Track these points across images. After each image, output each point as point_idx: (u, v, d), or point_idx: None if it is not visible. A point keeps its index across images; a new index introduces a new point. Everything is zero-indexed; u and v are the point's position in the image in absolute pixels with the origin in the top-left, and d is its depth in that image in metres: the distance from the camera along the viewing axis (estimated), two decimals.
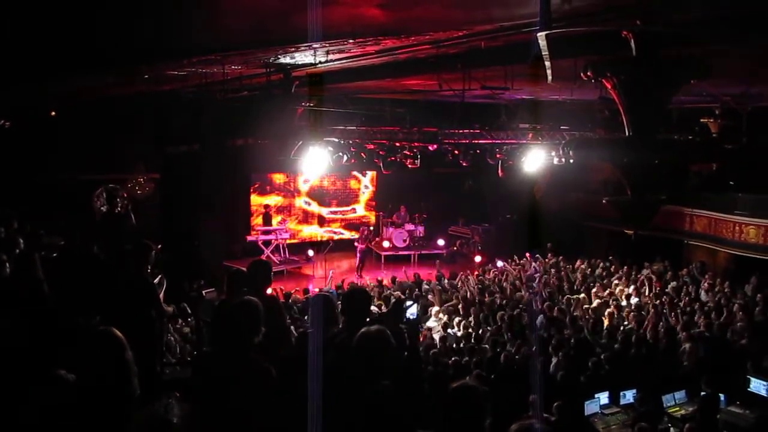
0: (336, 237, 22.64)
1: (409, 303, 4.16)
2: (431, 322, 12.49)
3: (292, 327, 7.24)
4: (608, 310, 12.76)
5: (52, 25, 5.36)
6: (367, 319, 4.16)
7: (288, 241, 20.49)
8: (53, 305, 5.11)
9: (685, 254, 18.25)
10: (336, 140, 13.69)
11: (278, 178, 21.76)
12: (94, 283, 5.67)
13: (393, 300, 12.44)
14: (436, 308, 13.09)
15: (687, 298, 13.37)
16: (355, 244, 20.37)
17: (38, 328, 4.62)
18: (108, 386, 3.39)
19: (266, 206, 21.32)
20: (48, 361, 3.77)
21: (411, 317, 4.04)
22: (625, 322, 12.18)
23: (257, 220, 21.26)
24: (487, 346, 10.42)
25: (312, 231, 22.60)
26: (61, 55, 6.63)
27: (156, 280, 6.55)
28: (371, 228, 22.46)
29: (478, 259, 19.86)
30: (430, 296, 14.31)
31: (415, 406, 3.48)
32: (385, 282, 15.90)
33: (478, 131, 13.00)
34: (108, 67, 7.61)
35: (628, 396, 8.72)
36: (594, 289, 14.71)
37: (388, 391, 3.35)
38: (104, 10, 4.89)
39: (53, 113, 12.85)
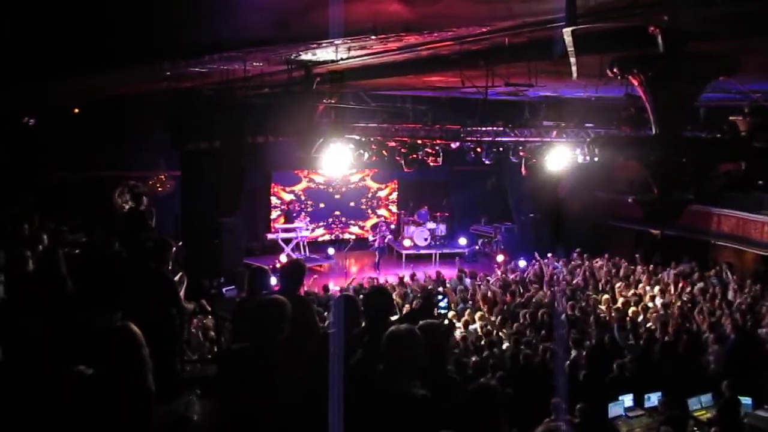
0: (355, 236, 22.64)
1: (440, 297, 4.07)
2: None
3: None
4: (633, 309, 12.60)
5: (74, 24, 5.37)
6: (391, 318, 4.10)
7: (308, 239, 20.56)
8: (75, 302, 5.12)
9: (712, 255, 18.00)
10: (357, 137, 13.66)
11: (299, 175, 21.79)
12: (116, 281, 5.69)
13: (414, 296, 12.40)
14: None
15: (714, 300, 13.15)
16: (371, 241, 20.39)
17: (60, 325, 4.63)
18: (124, 381, 3.39)
19: (288, 203, 21.36)
20: (68, 357, 3.78)
21: (443, 311, 3.94)
22: (649, 324, 12.00)
23: (279, 218, 21.31)
24: (507, 345, 10.34)
25: (330, 229, 22.62)
26: (83, 53, 6.65)
27: (176, 278, 6.56)
28: (392, 226, 22.42)
29: (500, 258, 19.75)
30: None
31: (441, 407, 3.39)
32: (406, 279, 15.87)
33: (501, 129, 12.86)
34: (130, 64, 7.63)
35: (653, 399, 8.60)
36: (618, 288, 14.54)
37: (415, 392, 3.29)
38: (128, 7, 4.89)
39: (76, 110, 12.94)
